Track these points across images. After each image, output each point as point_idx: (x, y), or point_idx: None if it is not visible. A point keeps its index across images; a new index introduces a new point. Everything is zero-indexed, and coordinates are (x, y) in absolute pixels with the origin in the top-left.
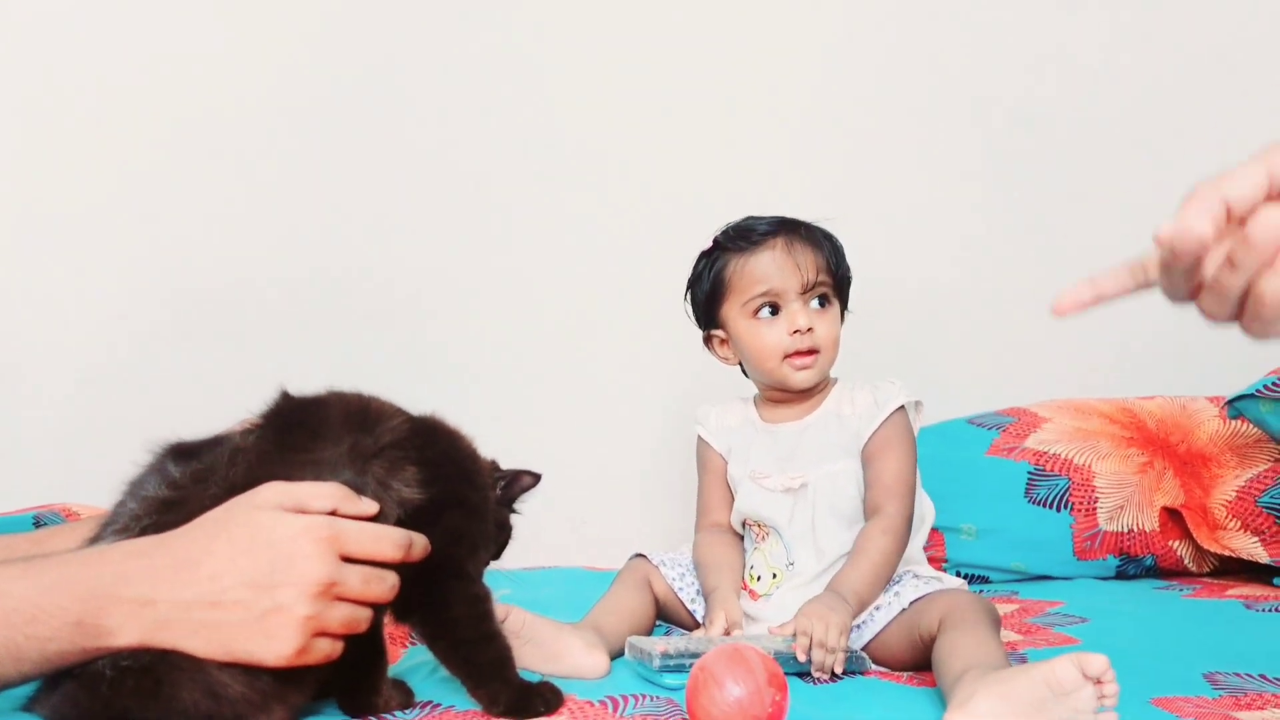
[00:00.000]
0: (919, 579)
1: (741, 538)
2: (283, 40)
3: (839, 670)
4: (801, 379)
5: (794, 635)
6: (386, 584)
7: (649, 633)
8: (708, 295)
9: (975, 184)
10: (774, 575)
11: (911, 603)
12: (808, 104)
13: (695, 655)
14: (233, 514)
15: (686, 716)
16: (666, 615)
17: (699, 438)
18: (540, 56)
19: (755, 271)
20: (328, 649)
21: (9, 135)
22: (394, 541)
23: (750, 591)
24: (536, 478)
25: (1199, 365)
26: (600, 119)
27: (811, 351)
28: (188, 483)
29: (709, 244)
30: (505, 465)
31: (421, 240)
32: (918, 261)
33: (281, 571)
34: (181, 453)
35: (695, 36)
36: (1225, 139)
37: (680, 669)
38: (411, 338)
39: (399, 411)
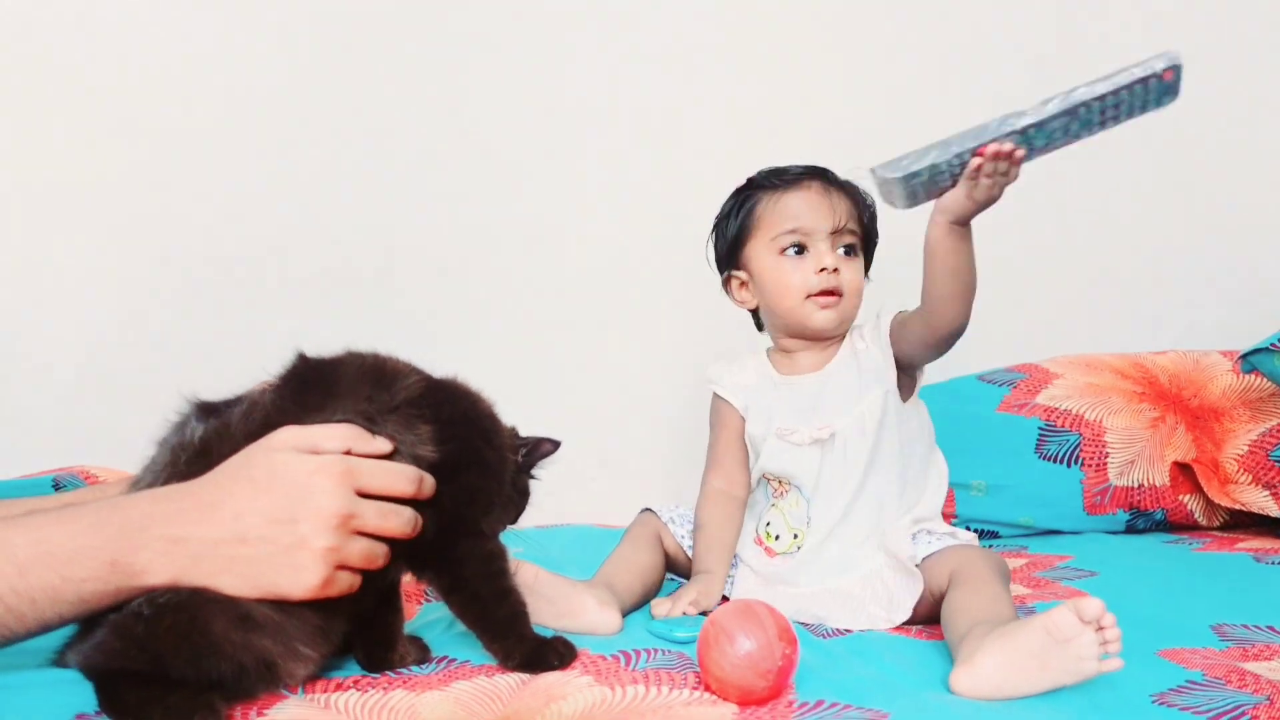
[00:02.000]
0: (932, 535)
1: (745, 498)
2: (297, 14)
3: None
4: (822, 318)
5: None
6: (403, 518)
7: (659, 588)
8: (735, 233)
9: None
10: (794, 535)
11: (925, 558)
12: (821, 64)
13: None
14: (251, 457)
15: (698, 670)
16: (676, 570)
17: (715, 395)
18: (548, 29)
19: (787, 209)
20: (349, 582)
21: (24, 104)
22: (407, 476)
23: (767, 549)
24: (556, 444)
25: (1212, 319)
26: (617, 83)
27: (835, 293)
28: (210, 436)
29: (743, 182)
30: (510, 421)
31: (432, 206)
32: (926, 217)
33: (300, 506)
34: (205, 410)
35: (711, 4)
36: (1238, 95)
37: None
38: (418, 304)
39: (415, 371)
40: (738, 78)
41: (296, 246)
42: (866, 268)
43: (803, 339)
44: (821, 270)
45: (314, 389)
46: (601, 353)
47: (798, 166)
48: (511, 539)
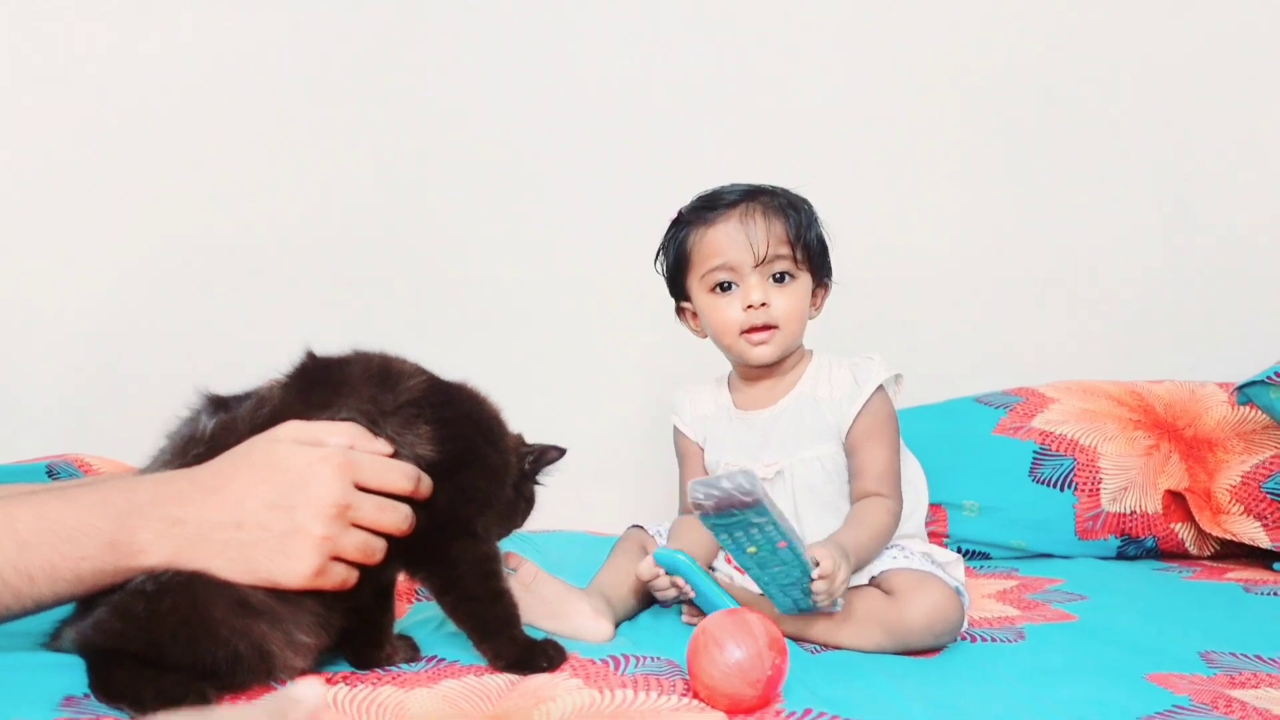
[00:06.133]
0: (908, 553)
1: None
2: (303, 9)
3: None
4: (758, 355)
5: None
6: (400, 514)
7: (650, 601)
8: (672, 267)
9: (990, 163)
10: None
11: (883, 571)
12: (816, 80)
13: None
14: (253, 446)
15: (687, 677)
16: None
17: (675, 429)
18: (551, 32)
19: (711, 245)
20: (344, 574)
21: (23, 94)
22: (405, 473)
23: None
24: (562, 452)
25: (1209, 351)
26: (611, 97)
27: (767, 327)
28: (218, 430)
29: (675, 214)
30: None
31: (434, 208)
32: (929, 239)
33: (298, 494)
34: (216, 404)
35: (702, 5)
36: (1231, 121)
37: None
38: (415, 306)
39: (420, 371)
40: (737, 85)
41: (296, 240)
42: (822, 275)
43: (755, 368)
44: (749, 307)
45: (320, 387)
46: (594, 360)
47: (726, 193)
48: (509, 543)
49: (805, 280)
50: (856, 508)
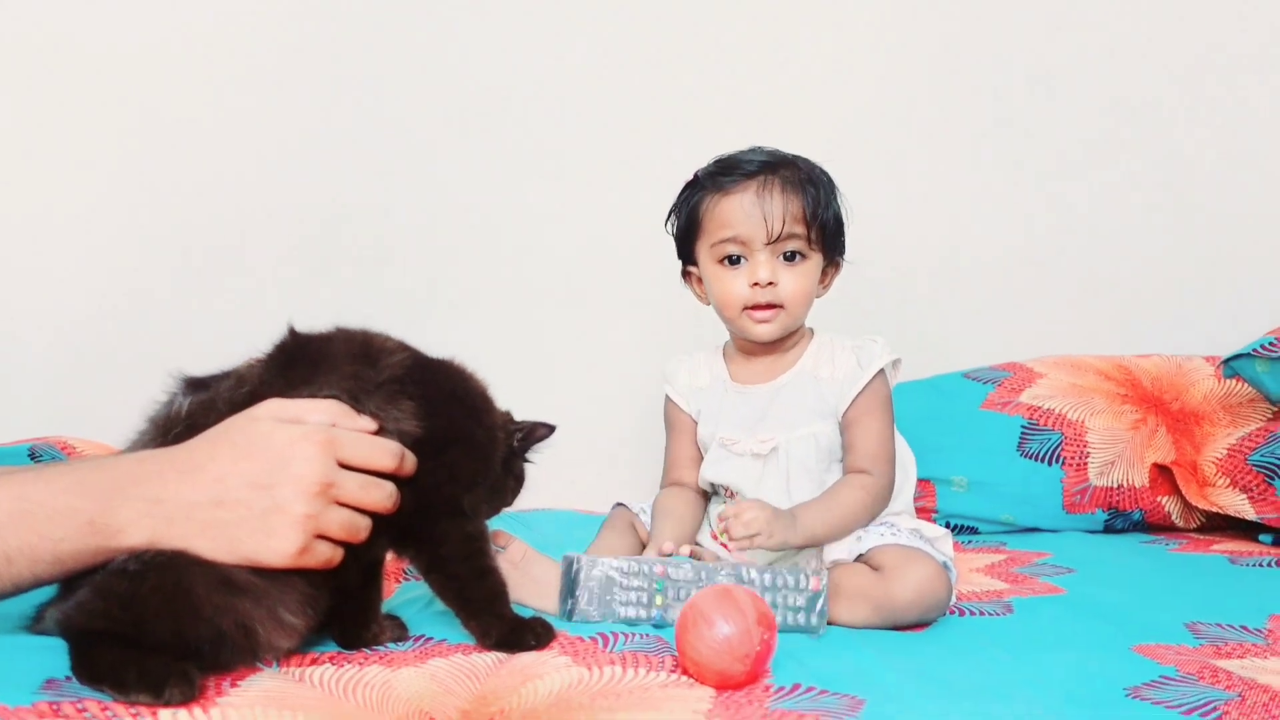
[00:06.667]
0: (895, 529)
1: (707, 496)
2: None
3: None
4: (760, 332)
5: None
6: (384, 491)
7: None
8: (682, 230)
9: (982, 140)
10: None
11: (871, 549)
12: (816, 59)
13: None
14: (233, 425)
15: (675, 654)
16: None
17: (667, 399)
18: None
19: (723, 215)
20: (328, 553)
21: (6, 75)
22: (389, 450)
23: (723, 544)
24: (551, 429)
25: (1196, 325)
26: (604, 73)
27: (772, 306)
28: (196, 409)
29: (692, 175)
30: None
31: (424, 188)
32: (921, 215)
33: (280, 472)
34: (193, 385)
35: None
36: (1219, 98)
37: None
38: (408, 286)
39: (403, 348)
40: (734, 71)
41: (280, 217)
42: (834, 254)
43: (754, 345)
44: (755, 284)
45: (301, 364)
46: (582, 336)
47: (745, 162)
48: (498, 521)
49: (816, 260)
50: (833, 485)
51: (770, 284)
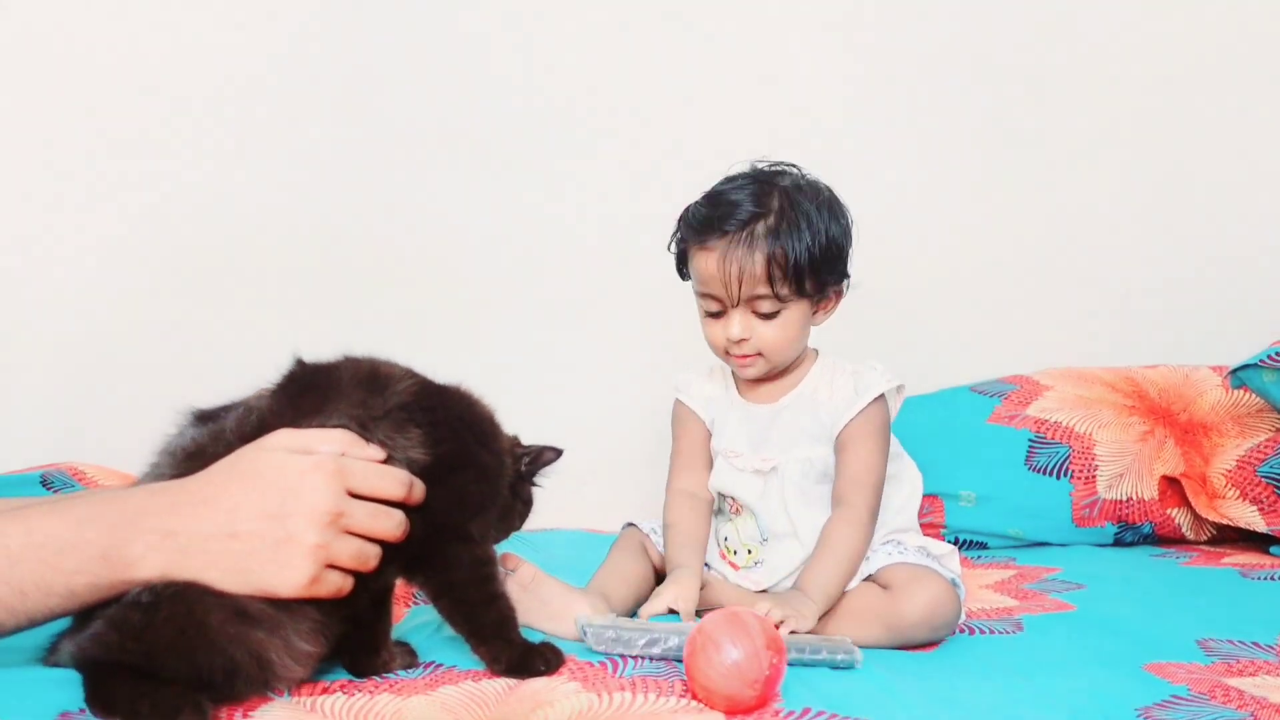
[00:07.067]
0: (903, 547)
1: (714, 505)
2: (295, 6)
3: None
4: (745, 374)
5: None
6: (393, 520)
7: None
8: (678, 264)
9: (984, 151)
10: (749, 551)
11: (881, 569)
12: (813, 65)
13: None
14: (244, 455)
15: (685, 679)
16: (662, 580)
17: (679, 402)
18: (547, 30)
19: (699, 270)
20: (339, 582)
21: (10, 87)
22: (398, 479)
23: (730, 563)
24: (559, 453)
25: (1203, 335)
26: (607, 87)
27: (750, 355)
28: (205, 439)
29: (684, 209)
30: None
31: (428, 207)
32: (923, 229)
33: (291, 503)
34: (202, 417)
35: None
36: (1224, 107)
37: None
38: (409, 305)
39: (410, 375)
40: (737, 82)
41: (287, 240)
42: (832, 283)
43: None
44: (729, 339)
45: (310, 393)
46: (588, 356)
47: (724, 215)
48: (506, 542)
49: (795, 309)
50: (823, 532)
51: (743, 340)
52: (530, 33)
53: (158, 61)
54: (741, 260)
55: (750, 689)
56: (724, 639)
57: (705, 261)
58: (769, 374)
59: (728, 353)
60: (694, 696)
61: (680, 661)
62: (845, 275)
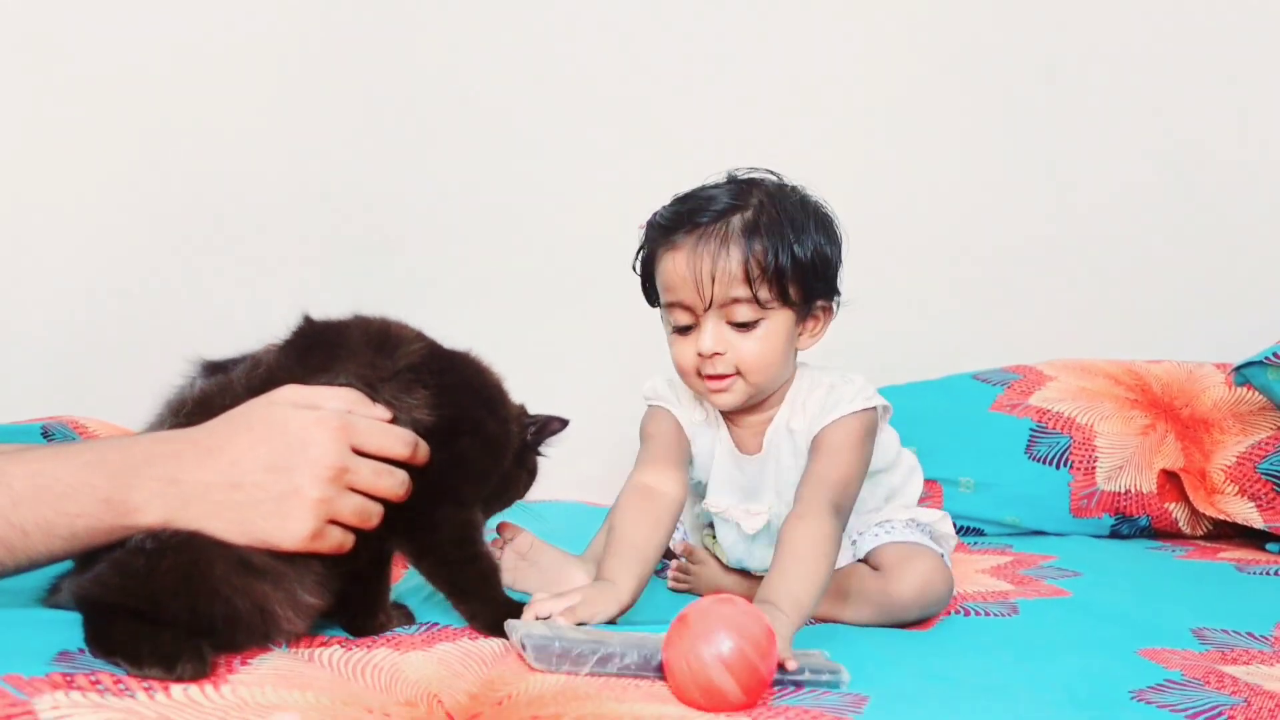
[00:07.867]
0: (890, 524)
1: (681, 500)
2: None
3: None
4: (718, 401)
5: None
6: (396, 479)
7: None
8: (643, 282)
9: (995, 140)
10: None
11: (870, 551)
12: (811, 52)
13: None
14: (251, 409)
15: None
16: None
17: (657, 408)
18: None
19: (667, 275)
20: (340, 538)
21: (7, 52)
22: (403, 439)
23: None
24: (565, 423)
25: (1208, 331)
26: (605, 70)
27: (725, 375)
28: (212, 390)
29: (649, 216)
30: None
31: (437, 175)
32: (928, 216)
33: (296, 456)
34: (210, 368)
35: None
36: (1231, 100)
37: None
38: (413, 275)
39: (420, 337)
40: (745, 68)
41: (291, 205)
42: (820, 296)
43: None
44: (700, 355)
45: (318, 350)
46: (588, 328)
47: (697, 209)
48: (506, 511)
49: (778, 320)
50: (783, 539)
51: (716, 354)
52: (542, 13)
53: (157, 23)
54: (715, 255)
55: (742, 687)
56: (704, 626)
57: (672, 262)
58: (747, 403)
59: (699, 373)
60: (677, 694)
61: (640, 677)
62: (836, 291)
